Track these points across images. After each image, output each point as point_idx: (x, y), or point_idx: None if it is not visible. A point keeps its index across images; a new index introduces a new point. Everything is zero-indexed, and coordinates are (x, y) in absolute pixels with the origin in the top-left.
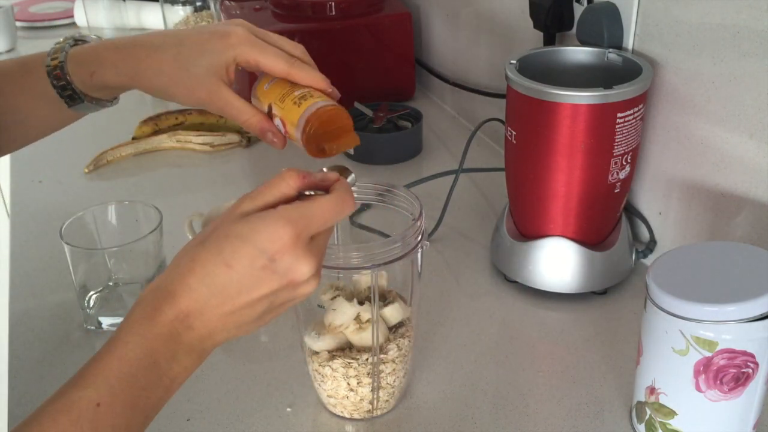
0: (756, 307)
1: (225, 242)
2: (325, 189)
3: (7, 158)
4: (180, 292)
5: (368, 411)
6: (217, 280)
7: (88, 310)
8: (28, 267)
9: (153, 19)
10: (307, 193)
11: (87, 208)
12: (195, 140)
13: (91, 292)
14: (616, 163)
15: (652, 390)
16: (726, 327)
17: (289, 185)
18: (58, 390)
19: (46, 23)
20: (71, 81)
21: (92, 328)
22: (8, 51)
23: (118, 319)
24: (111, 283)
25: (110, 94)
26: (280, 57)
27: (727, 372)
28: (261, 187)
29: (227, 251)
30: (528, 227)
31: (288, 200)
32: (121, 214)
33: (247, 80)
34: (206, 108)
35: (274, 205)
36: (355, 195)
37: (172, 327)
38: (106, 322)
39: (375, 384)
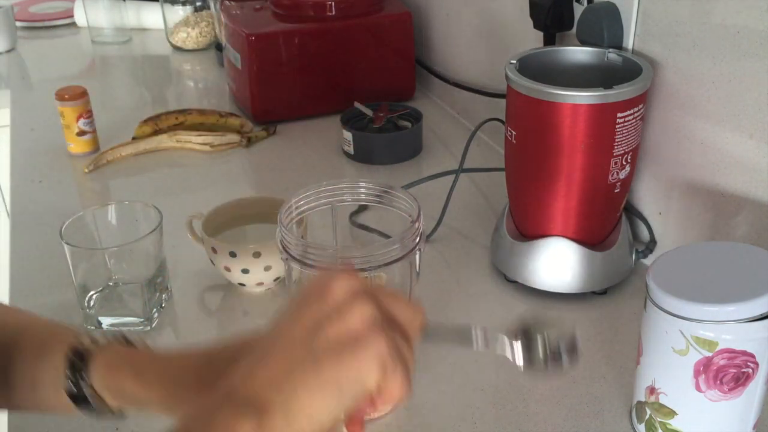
0: (756, 307)
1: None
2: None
3: (6, 158)
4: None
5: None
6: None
7: (88, 310)
8: (28, 267)
9: (153, 19)
10: None
11: (87, 208)
12: (195, 140)
13: (91, 292)
14: (616, 163)
15: (652, 390)
16: (726, 327)
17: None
18: None
19: (46, 23)
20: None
21: (92, 328)
22: (8, 51)
23: (118, 319)
24: (111, 283)
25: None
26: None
27: (727, 372)
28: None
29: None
30: (528, 227)
31: None
32: (121, 214)
33: (247, 86)
34: None
35: None
36: (354, 195)
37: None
38: (106, 322)
39: None
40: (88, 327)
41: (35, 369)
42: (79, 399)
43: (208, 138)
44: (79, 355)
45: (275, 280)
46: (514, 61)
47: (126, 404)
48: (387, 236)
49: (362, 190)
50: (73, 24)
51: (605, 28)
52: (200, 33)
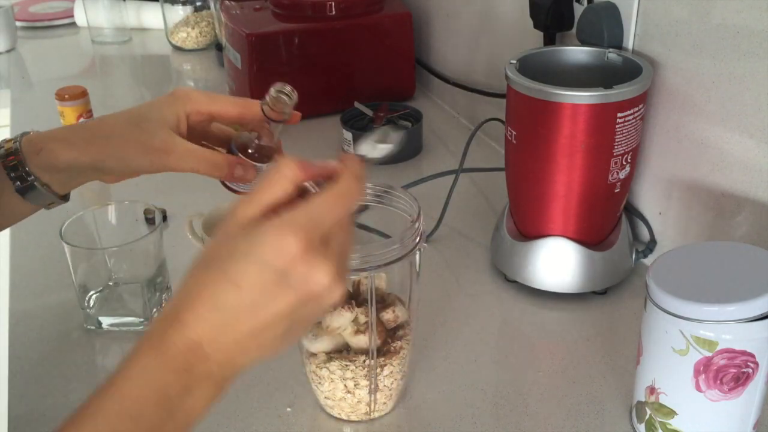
0: (756, 307)
1: (229, 261)
2: (327, 177)
3: None
4: (190, 320)
5: (365, 413)
6: (228, 302)
7: (88, 310)
8: (28, 267)
9: (153, 19)
10: (307, 184)
11: (87, 208)
12: None
13: (91, 292)
14: (616, 163)
15: (652, 390)
16: (726, 327)
17: (288, 179)
18: (55, 430)
19: (46, 23)
20: (21, 160)
21: (92, 328)
22: (8, 51)
23: (118, 319)
24: (111, 283)
25: (61, 179)
26: (229, 101)
27: (727, 372)
28: (259, 185)
29: (232, 271)
30: (528, 227)
31: (288, 198)
32: (121, 214)
33: (247, 85)
34: (163, 164)
35: (274, 208)
36: None
37: (184, 359)
38: (106, 322)
39: (372, 386)
40: (88, 327)
41: None
42: (27, 191)
43: None
44: (9, 158)
45: None
46: (514, 61)
47: (66, 181)
48: (387, 236)
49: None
50: (73, 24)
51: (605, 28)
52: (200, 33)
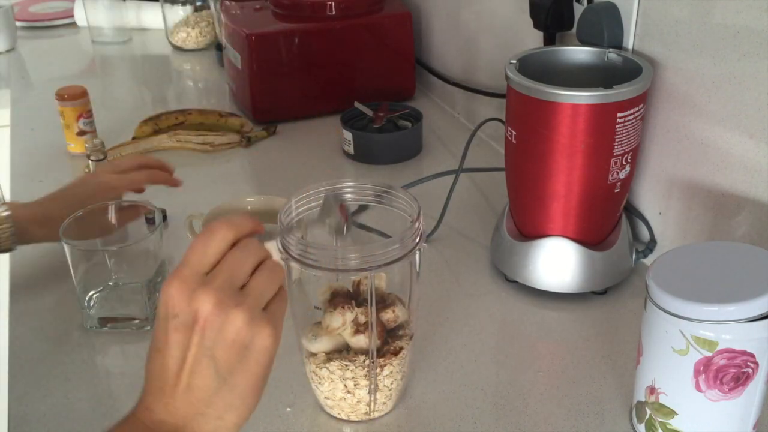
0: (756, 307)
1: (154, 332)
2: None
3: (7, 158)
4: (145, 397)
5: (365, 413)
6: (156, 366)
7: (88, 310)
8: (28, 267)
9: (153, 19)
10: None
11: (87, 208)
12: (195, 140)
13: (91, 292)
14: (616, 163)
15: (652, 390)
16: (726, 327)
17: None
18: None
19: (46, 23)
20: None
21: (92, 328)
22: (8, 51)
23: None
24: (111, 283)
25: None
26: (125, 182)
27: (727, 372)
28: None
29: (154, 339)
30: (528, 227)
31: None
32: None
33: (247, 85)
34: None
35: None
36: (355, 195)
37: (142, 423)
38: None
39: (372, 386)
40: (88, 327)
41: None
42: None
43: (208, 138)
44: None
45: None
46: (514, 61)
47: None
48: (387, 236)
49: (362, 190)
50: (73, 24)
51: (605, 28)
52: (200, 33)
